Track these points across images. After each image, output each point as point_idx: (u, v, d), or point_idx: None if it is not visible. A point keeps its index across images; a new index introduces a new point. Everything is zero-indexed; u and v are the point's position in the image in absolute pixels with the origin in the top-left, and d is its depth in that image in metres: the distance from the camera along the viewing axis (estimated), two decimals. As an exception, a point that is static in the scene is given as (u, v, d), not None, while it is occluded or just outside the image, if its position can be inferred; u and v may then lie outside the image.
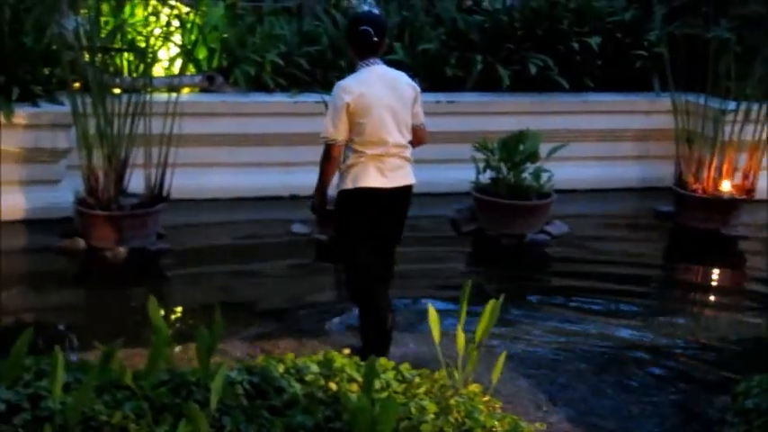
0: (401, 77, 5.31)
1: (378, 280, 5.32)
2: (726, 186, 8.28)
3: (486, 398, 3.85)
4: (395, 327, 5.35)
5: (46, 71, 8.16)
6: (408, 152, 5.25)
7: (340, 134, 5.06)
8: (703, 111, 8.46)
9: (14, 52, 7.85)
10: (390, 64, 8.56)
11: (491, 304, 3.98)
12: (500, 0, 10.19)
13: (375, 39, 5.11)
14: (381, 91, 5.10)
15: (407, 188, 5.26)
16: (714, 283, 7.64)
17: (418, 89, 5.35)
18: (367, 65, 5.15)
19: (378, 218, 5.22)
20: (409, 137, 5.25)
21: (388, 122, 5.09)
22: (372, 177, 5.11)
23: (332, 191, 5.36)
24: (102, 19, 8.03)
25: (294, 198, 8.36)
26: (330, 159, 5.16)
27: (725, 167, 8.34)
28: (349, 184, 5.15)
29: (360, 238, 5.25)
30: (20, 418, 3.18)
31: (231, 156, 8.64)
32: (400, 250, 7.01)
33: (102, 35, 7.75)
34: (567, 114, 9.45)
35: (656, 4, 9.36)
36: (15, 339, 3.89)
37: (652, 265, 7.75)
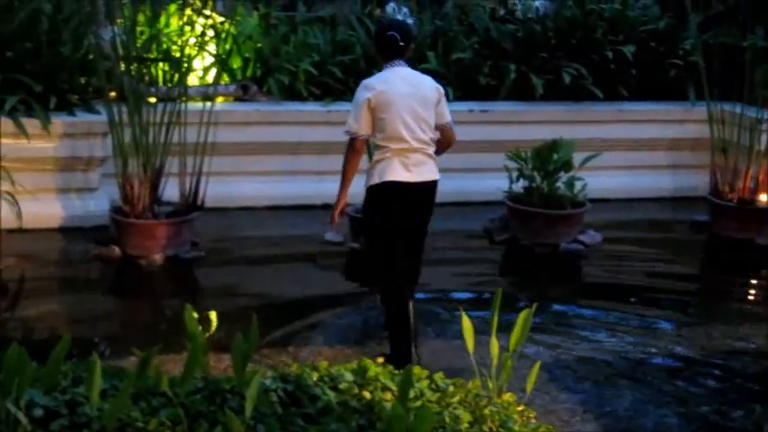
0: (425, 79, 5.54)
1: (404, 277, 5.44)
2: (762, 196, 8.22)
3: (521, 407, 3.84)
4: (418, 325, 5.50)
5: (83, 80, 8.26)
6: (431, 149, 5.43)
7: (362, 128, 5.30)
8: (739, 120, 8.41)
9: (52, 62, 7.94)
10: (423, 72, 8.61)
11: (525, 313, 3.97)
12: (533, 9, 10.18)
13: (401, 43, 5.39)
14: (402, 89, 5.31)
15: (432, 183, 5.45)
16: (750, 293, 7.56)
17: (442, 91, 5.53)
18: (391, 66, 5.40)
19: (403, 212, 5.39)
20: (432, 135, 5.43)
21: (408, 119, 5.29)
22: (398, 172, 5.31)
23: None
24: (138, 29, 8.11)
25: (327, 207, 8.36)
26: (353, 152, 5.39)
27: (761, 177, 8.28)
28: (376, 179, 5.35)
29: (387, 233, 5.42)
30: (57, 423, 3.21)
31: (264, 164, 8.69)
32: (434, 259, 7.06)
33: (138, 45, 7.82)
34: (600, 123, 9.42)
35: (690, 13, 9.29)
36: (51, 346, 3.93)
37: (687, 274, 7.69)
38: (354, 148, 5.38)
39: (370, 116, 5.28)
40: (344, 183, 5.50)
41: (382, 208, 5.41)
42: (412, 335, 5.36)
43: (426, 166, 5.40)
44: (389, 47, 5.40)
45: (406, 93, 5.32)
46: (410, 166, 5.33)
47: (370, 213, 5.50)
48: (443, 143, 5.58)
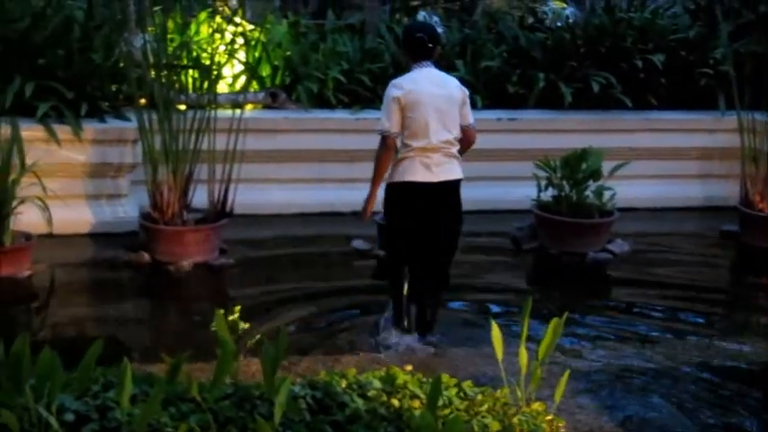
0: (450, 80, 5.75)
1: (421, 277, 5.71)
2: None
3: (550, 417, 3.82)
4: (434, 320, 5.81)
5: (113, 87, 8.33)
6: (455, 149, 5.62)
7: (393, 126, 5.49)
8: (769, 129, 8.36)
9: (84, 69, 8.02)
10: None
11: (554, 322, 3.95)
12: (562, 17, 10.17)
13: (429, 45, 5.61)
14: (430, 89, 5.52)
15: (454, 183, 5.64)
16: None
17: (467, 92, 5.75)
18: (419, 67, 5.60)
19: (424, 212, 5.57)
20: (457, 134, 5.61)
21: (433, 118, 5.49)
22: (419, 172, 5.52)
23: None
24: (169, 36, 8.16)
25: (355, 214, 8.38)
26: (386, 149, 5.54)
27: (792, 186, 8.23)
28: (396, 178, 5.58)
29: (403, 231, 5.65)
30: (88, 428, 3.23)
31: (293, 172, 8.72)
32: (461, 267, 7.05)
33: (169, 52, 7.87)
34: (629, 132, 9.39)
35: (721, 22, 9.26)
36: (81, 351, 3.94)
37: (716, 284, 7.62)
38: (387, 146, 5.53)
39: (400, 114, 5.47)
40: (376, 180, 5.66)
41: (401, 206, 5.62)
42: (426, 326, 5.72)
43: (449, 166, 5.59)
44: (418, 48, 5.60)
45: (433, 93, 5.51)
46: (432, 166, 5.53)
47: (389, 210, 5.71)
48: (465, 144, 5.74)
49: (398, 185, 5.59)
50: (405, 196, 5.59)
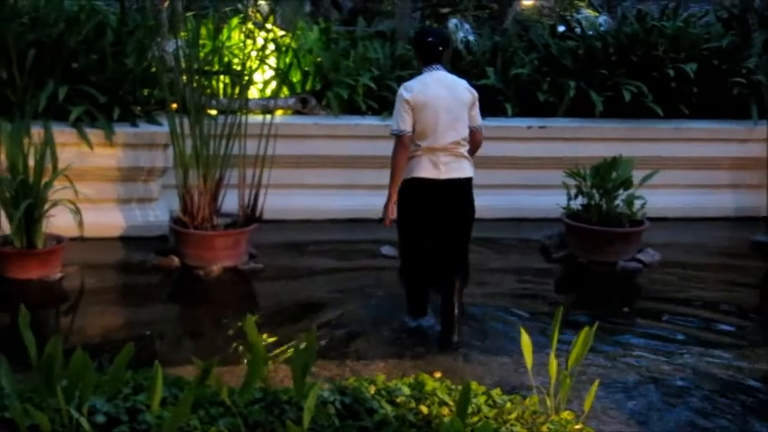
0: (459, 82, 5.94)
1: (427, 273, 6.01)
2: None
3: (579, 426, 3.81)
4: (463, 312, 6.00)
5: (145, 92, 8.38)
6: (464, 149, 5.85)
7: (406, 125, 5.73)
8: (803, 139, 8.29)
9: (116, 73, 8.08)
10: (482, 89, 8.62)
11: (585, 331, 3.93)
12: (594, 25, 10.13)
13: (439, 48, 5.89)
14: (438, 91, 5.76)
15: (463, 180, 5.84)
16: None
17: (476, 94, 5.94)
18: (429, 70, 5.85)
19: (433, 209, 5.84)
20: (465, 135, 5.83)
21: (442, 119, 5.73)
22: (426, 169, 5.77)
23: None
24: (201, 42, 8.21)
25: (384, 221, 8.40)
26: (401, 147, 5.76)
27: (824, 197, 8.16)
28: (405, 175, 5.82)
29: (413, 228, 5.93)
30: (118, 430, 3.25)
31: (322, 177, 8.73)
32: (491, 275, 7.05)
33: (200, 58, 7.91)
34: (660, 141, 9.34)
35: (755, 31, 9.19)
36: (110, 354, 3.96)
37: (747, 295, 7.54)
38: (402, 144, 5.75)
39: (410, 115, 5.72)
40: (395, 179, 5.86)
41: (410, 203, 5.85)
42: (455, 327, 5.85)
43: (457, 164, 5.82)
44: (428, 52, 5.86)
45: (441, 95, 5.75)
46: (440, 165, 5.78)
47: (400, 206, 5.91)
48: (472, 145, 5.94)
49: (407, 182, 5.83)
50: (413, 192, 5.82)
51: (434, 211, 5.85)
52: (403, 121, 5.72)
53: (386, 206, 5.95)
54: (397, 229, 6.08)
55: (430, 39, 5.88)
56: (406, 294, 6.23)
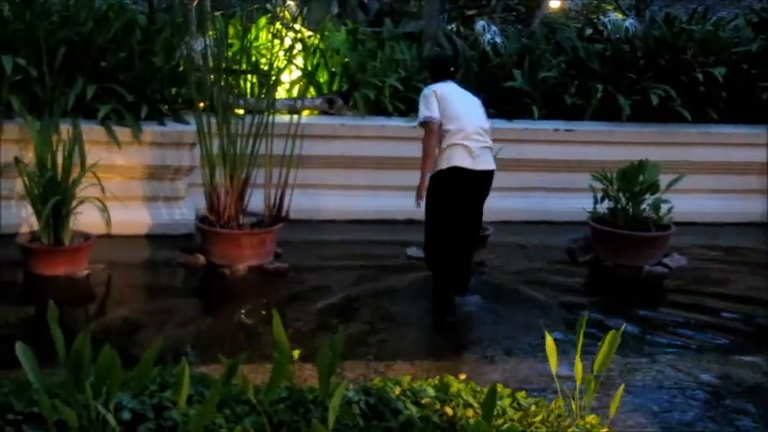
0: (469, 92, 6.68)
1: (452, 259, 6.51)
2: None
3: (605, 430, 3.78)
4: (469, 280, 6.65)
5: (173, 91, 8.42)
6: (489, 140, 6.44)
7: (433, 111, 6.31)
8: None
9: (145, 72, 8.12)
10: (509, 91, 8.63)
11: (611, 335, 3.91)
12: (622, 28, 10.09)
13: (451, 68, 6.82)
14: (456, 90, 6.55)
15: (491, 172, 6.43)
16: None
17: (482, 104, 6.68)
18: (443, 81, 6.58)
19: (464, 196, 6.36)
20: (487, 126, 6.50)
21: (464, 109, 6.42)
22: (463, 158, 6.28)
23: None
24: (228, 41, 8.23)
25: (410, 222, 8.40)
26: (430, 134, 6.33)
27: None
28: (443, 165, 6.30)
29: (444, 215, 6.37)
30: (144, 426, 3.26)
31: (348, 178, 8.75)
32: (515, 279, 7.04)
33: (228, 57, 7.94)
34: (688, 146, 9.29)
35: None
36: (135, 350, 3.96)
37: (774, 301, 7.50)
38: (431, 130, 6.32)
39: (437, 103, 6.33)
40: (426, 162, 6.38)
41: (446, 190, 6.32)
42: (464, 287, 6.59)
43: (486, 156, 6.40)
44: (443, 71, 6.68)
45: (460, 92, 6.55)
46: (474, 154, 6.29)
47: (433, 196, 6.39)
48: None
49: (445, 172, 6.31)
50: (450, 182, 6.30)
51: (466, 199, 6.38)
52: (430, 108, 6.32)
53: (419, 186, 6.45)
54: (427, 216, 6.48)
55: (445, 60, 7.18)
56: (433, 288, 6.62)
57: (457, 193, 6.34)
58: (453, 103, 6.39)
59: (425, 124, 6.36)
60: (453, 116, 6.33)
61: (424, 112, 6.38)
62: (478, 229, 6.83)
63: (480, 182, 6.39)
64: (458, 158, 6.27)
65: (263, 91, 7.71)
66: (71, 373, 3.10)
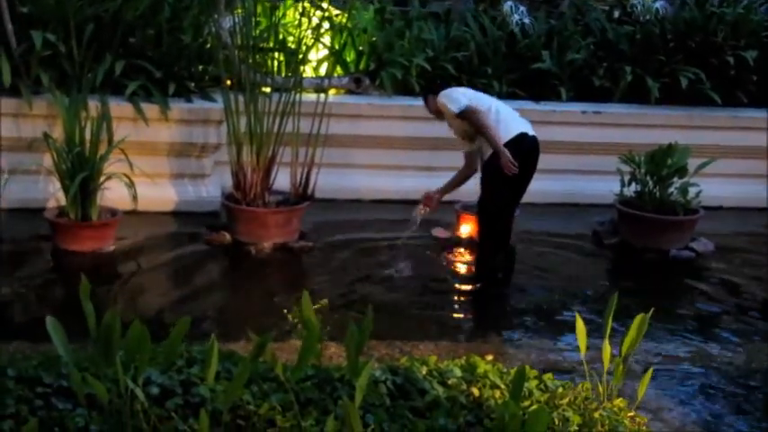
0: None
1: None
2: None
3: (632, 413, 3.78)
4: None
5: (201, 68, 8.42)
6: None
7: (470, 101, 6.38)
8: None
9: (172, 49, 8.13)
10: (537, 73, 8.59)
11: (639, 318, 3.89)
12: (652, 10, 10.00)
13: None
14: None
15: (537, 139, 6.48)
16: None
17: None
18: None
19: (528, 165, 6.37)
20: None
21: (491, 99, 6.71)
22: (519, 124, 6.44)
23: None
24: (256, 19, 8.21)
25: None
26: (476, 113, 6.32)
27: None
28: (504, 136, 6.27)
29: (509, 186, 6.35)
30: (172, 402, 3.28)
31: (375, 158, 8.74)
32: (542, 261, 7.01)
33: (256, 35, 7.93)
34: (717, 129, 9.21)
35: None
36: (161, 326, 3.92)
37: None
38: (475, 109, 6.32)
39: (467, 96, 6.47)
40: (493, 134, 6.27)
41: (516, 158, 6.21)
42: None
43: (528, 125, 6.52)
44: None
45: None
46: (523, 121, 6.52)
47: (496, 173, 6.27)
48: None
49: (512, 141, 6.27)
50: (519, 148, 6.27)
51: (527, 168, 6.38)
52: (465, 97, 6.43)
53: (502, 155, 6.22)
54: (493, 192, 6.40)
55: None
56: (483, 263, 6.67)
57: (523, 160, 6.29)
58: (485, 96, 6.67)
59: (465, 111, 6.34)
60: (488, 102, 6.51)
61: (459, 102, 6.38)
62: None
63: (536, 149, 6.45)
64: (516, 125, 6.40)
65: (291, 69, 7.70)
66: (101, 348, 3.12)
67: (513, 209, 6.62)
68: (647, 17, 10.00)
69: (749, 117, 9.34)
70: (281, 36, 8.40)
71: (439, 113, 6.65)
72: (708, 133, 9.08)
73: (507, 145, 6.24)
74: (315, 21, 8.27)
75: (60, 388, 3.31)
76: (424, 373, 3.72)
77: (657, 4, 10.09)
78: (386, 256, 7.24)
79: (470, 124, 6.38)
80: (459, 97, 6.42)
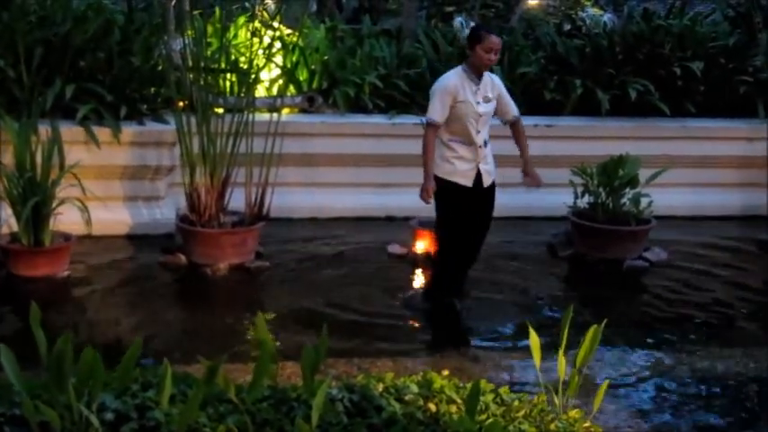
0: None
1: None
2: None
3: (587, 424, 3.80)
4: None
5: (152, 90, 8.38)
6: None
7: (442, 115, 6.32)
8: (810, 138, 8.26)
9: (123, 72, 8.09)
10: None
11: (593, 330, 3.93)
12: (600, 24, 10.12)
13: None
14: None
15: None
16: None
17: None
18: None
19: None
20: None
21: None
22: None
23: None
24: (207, 40, 8.21)
25: (390, 219, 8.42)
26: (430, 134, 6.30)
27: (831, 196, 8.13)
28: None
29: (458, 212, 6.38)
30: (127, 426, 3.26)
31: (329, 176, 8.74)
32: (498, 274, 7.03)
33: (207, 56, 7.92)
34: (666, 140, 9.32)
35: (761, 29, 9.17)
36: (117, 351, 3.91)
37: (753, 294, 7.51)
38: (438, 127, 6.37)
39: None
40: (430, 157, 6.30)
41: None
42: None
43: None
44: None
45: None
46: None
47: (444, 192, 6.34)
48: None
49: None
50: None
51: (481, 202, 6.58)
52: (441, 106, 6.37)
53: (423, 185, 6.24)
54: (438, 209, 6.39)
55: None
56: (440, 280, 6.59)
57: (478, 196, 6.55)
58: None
59: (426, 123, 6.36)
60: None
61: (432, 110, 6.35)
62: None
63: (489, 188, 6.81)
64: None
65: (243, 89, 7.70)
66: (53, 375, 3.09)
67: (474, 232, 6.49)
68: (596, 31, 10.12)
69: (698, 127, 9.46)
70: (232, 56, 8.41)
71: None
72: (658, 144, 9.19)
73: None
74: (266, 40, 8.28)
75: (13, 417, 3.28)
76: (380, 390, 3.72)
77: (605, 18, 10.23)
78: (344, 274, 7.24)
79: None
80: (435, 103, 6.24)
